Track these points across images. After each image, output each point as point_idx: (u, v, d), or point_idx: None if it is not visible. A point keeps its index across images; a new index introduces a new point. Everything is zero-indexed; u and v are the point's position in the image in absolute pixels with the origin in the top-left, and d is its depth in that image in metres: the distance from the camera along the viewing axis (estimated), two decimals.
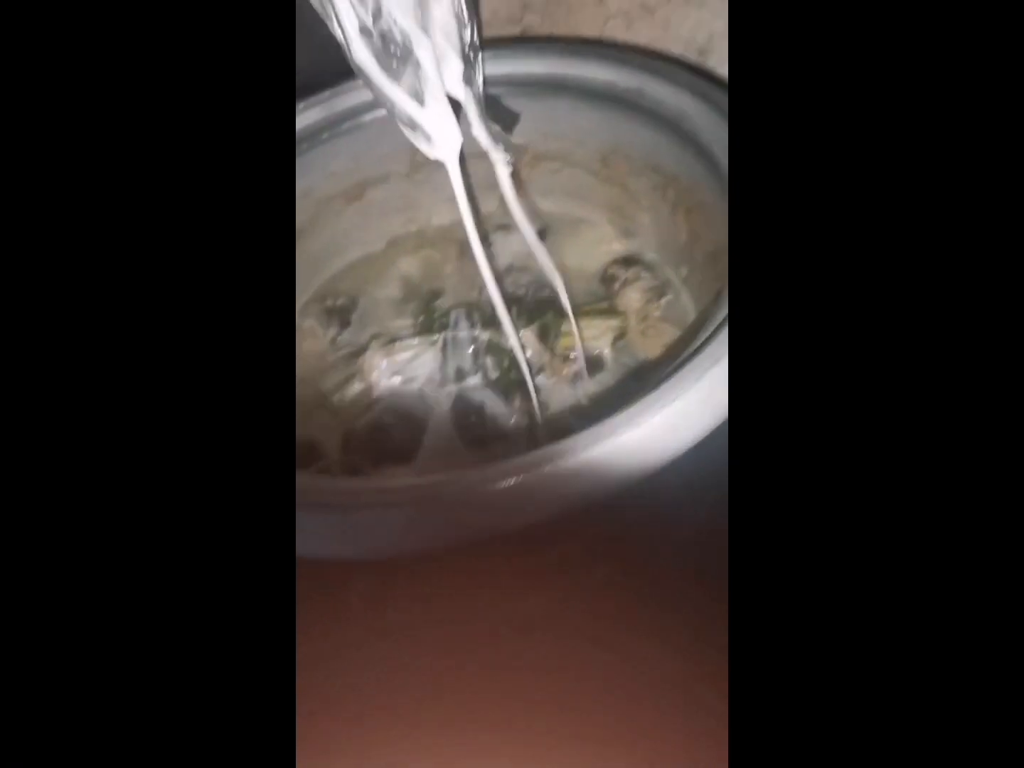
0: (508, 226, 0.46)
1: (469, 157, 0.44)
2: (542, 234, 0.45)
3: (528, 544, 0.29)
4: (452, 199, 0.47)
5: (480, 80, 0.27)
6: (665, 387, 0.23)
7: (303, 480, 0.24)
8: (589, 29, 0.45)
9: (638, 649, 0.27)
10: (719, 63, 0.42)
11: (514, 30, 0.46)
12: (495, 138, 0.29)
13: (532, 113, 0.41)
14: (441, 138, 0.27)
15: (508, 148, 0.29)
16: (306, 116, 0.41)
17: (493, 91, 0.42)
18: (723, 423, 0.22)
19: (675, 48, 0.43)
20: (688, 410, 0.22)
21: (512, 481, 0.21)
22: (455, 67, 0.25)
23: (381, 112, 0.43)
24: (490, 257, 0.45)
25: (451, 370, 0.37)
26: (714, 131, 0.33)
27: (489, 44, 0.43)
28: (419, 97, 0.26)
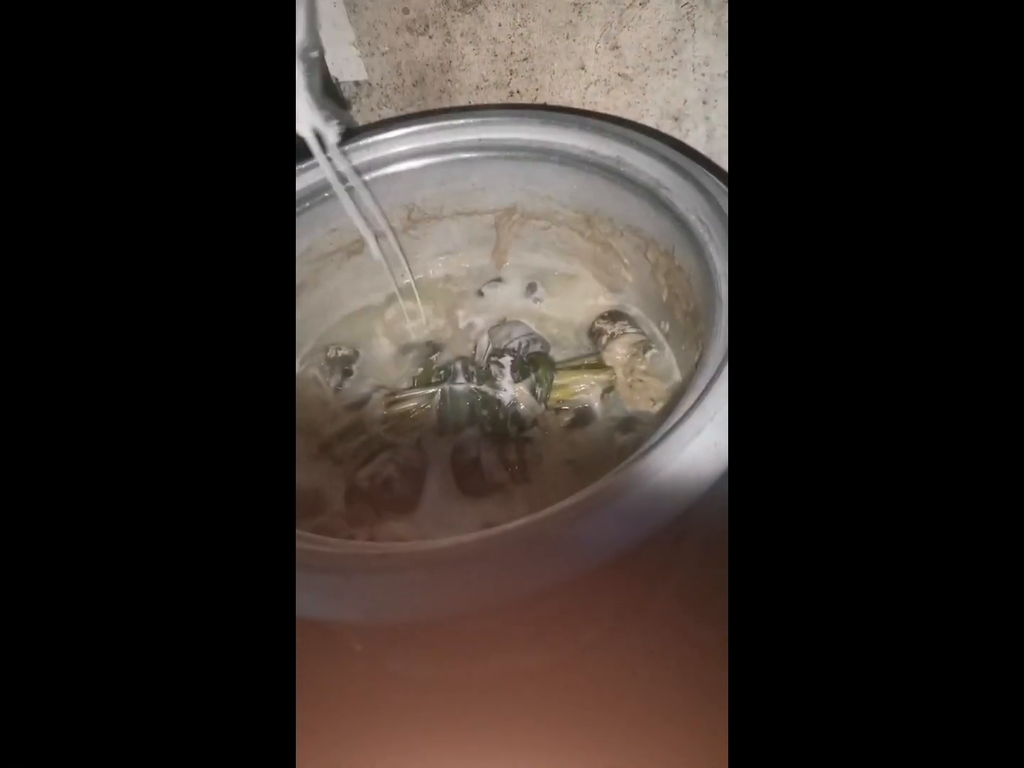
0: (500, 279, 0.49)
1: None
2: (531, 288, 0.48)
3: (524, 604, 0.31)
4: (446, 253, 0.50)
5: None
6: (655, 454, 0.25)
7: (306, 542, 0.26)
8: (571, 94, 0.48)
9: (630, 715, 0.29)
10: (692, 128, 0.45)
11: (502, 94, 0.49)
12: (328, 118, 0.39)
13: (519, 176, 0.44)
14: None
15: (341, 123, 0.39)
16: (309, 176, 0.43)
17: (483, 155, 0.44)
18: (710, 490, 0.24)
19: (652, 112, 0.46)
20: (680, 476, 0.25)
21: (513, 547, 0.23)
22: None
23: (380, 171, 0.45)
24: (485, 308, 0.48)
25: (449, 422, 0.40)
26: (688, 200, 0.36)
27: (479, 111, 0.46)
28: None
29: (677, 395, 0.32)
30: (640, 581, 0.34)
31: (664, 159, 0.38)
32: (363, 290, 0.48)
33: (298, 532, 0.27)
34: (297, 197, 0.43)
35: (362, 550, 0.25)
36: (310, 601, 0.24)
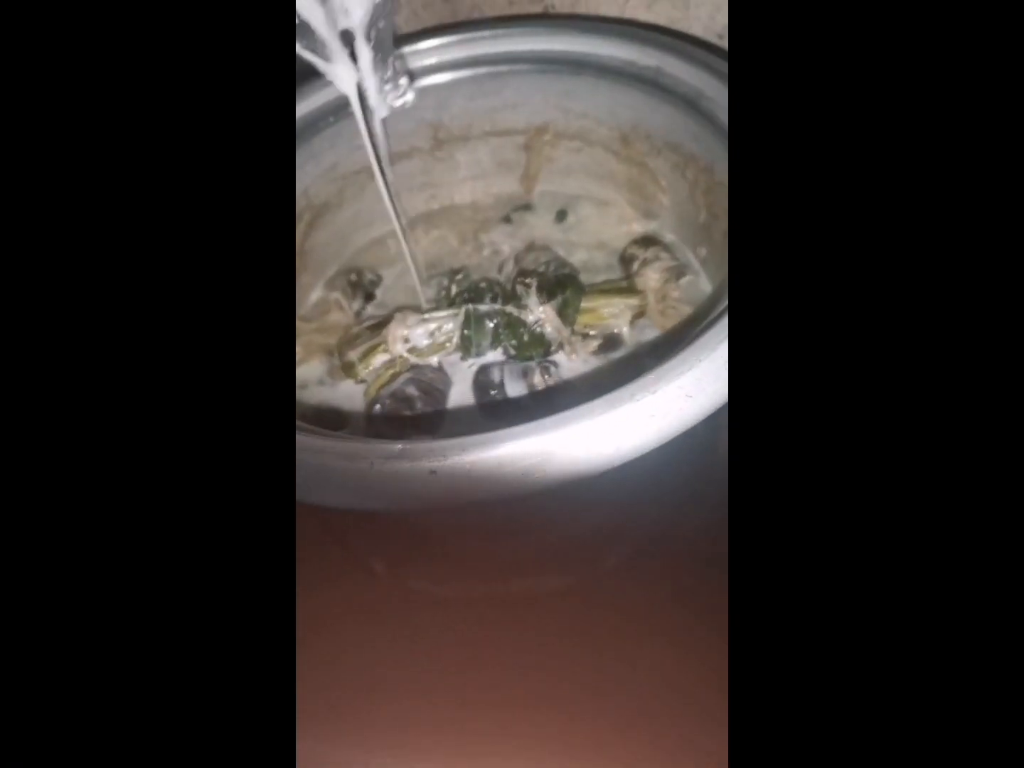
0: (529, 206, 0.47)
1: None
2: (561, 215, 0.46)
3: (542, 523, 0.31)
4: (474, 178, 0.48)
5: (385, 35, 0.32)
6: (670, 364, 0.25)
7: (335, 440, 0.26)
8: (609, 8, 0.45)
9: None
10: None
11: (536, 9, 0.47)
12: (383, 84, 0.35)
13: (553, 91, 0.42)
14: (341, 78, 0.34)
15: (398, 95, 0.36)
16: (333, 90, 0.41)
17: (515, 68, 0.42)
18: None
19: (694, 29, 0.44)
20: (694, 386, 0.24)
21: (535, 436, 0.23)
22: (357, 17, 0.30)
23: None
24: (512, 234, 0.46)
25: (472, 344, 0.38)
26: None
27: (511, 22, 0.44)
28: (319, 49, 0.31)
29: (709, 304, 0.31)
30: (665, 511, 0.34)
31: (707, 67, 0.35)
32: (388, 214, 0.47)
33: (324, 431, 0.27)
34: (321, 111, 0.42)
35: (385, 444, 0.24)
36: (334, 490, 0.23)
